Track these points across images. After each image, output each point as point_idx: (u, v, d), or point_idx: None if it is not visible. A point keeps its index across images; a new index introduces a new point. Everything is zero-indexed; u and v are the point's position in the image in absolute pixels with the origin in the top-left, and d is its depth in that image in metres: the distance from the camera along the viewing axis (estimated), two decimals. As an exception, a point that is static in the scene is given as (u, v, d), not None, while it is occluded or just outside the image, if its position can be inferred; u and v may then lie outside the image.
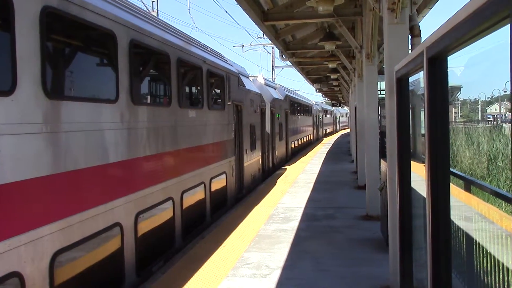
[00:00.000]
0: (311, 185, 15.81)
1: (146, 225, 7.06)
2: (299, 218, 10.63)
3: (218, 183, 11.26)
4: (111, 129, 6.08)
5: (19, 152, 4.30)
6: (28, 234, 4.35)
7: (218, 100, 11.80)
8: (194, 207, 9.49)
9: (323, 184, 16.13)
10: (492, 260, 3.60)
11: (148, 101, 8.12)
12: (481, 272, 3.84)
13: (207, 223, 10.29)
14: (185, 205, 8.79)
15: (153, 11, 22.59)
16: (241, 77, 14.38)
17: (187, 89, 9.88)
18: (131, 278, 6.48)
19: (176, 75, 8.40)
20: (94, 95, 6.10)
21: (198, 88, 10.24)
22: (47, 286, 4.60)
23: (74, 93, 5.65)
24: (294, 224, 9.99)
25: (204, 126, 10.20)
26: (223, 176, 11.80)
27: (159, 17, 15.62)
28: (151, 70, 8.42)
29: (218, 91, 11.83)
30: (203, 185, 10.03)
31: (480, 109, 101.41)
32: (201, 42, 10.87)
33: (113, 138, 6.12)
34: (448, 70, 2.21)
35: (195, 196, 9.55)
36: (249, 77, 17.62)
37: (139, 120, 6.90)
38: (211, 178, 10.65)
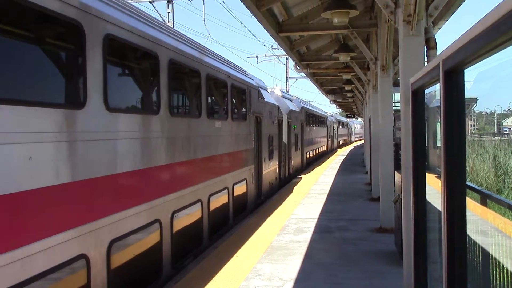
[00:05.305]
0: (324, 196, 15.74)
1: (179, 223, 7.87)
2: (312, 229, 10.58)
3: (239, 189, 12.03)
4: (153, 138, 6.88)
5: (87, 155, 5.11)
6: (92, 224, 5.15)
7: (241, 112, 12.57)
8: (219, 209, 10.27)
9: (337, 195, 16.05)
10: (509, 275, 3.54)
11: (182, 113, 8.95)
12: (498, 287, 3.78)
13: (230, 225, 11.02)
14: (212, 207, 9.59)
15: (168, 22, 22.80)
16: (261, 90, 14.99)
17: (214, 102, 10.73)
18: (168, 268, 7.26)
19: (205, 89, 9.21)
20: (142, 108, 7.02)
21: (224, 101, 11.19)
22: (105, 267, 5.41)
23: (127, 107, 6.50)
24: (307, 236, 9.94)
25: (228, 136, 10.99)
26: (244, 182, 12.56)
27: (174, 27, 15.73)
28: (185, 85, 9.22)
29: (240, 103, 12.59)
30: (226, 190, 10.80)
31: (496, 121, 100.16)
32: (225, 58, 11.50)
33: (155, 145, 6.93)
34: (465, 83, 2.19)
35: (220, 199, 10.34)
36: (267, 90, 18.01)
37: (175, 130, 7.72)
38: (234, 184, 11.41)
